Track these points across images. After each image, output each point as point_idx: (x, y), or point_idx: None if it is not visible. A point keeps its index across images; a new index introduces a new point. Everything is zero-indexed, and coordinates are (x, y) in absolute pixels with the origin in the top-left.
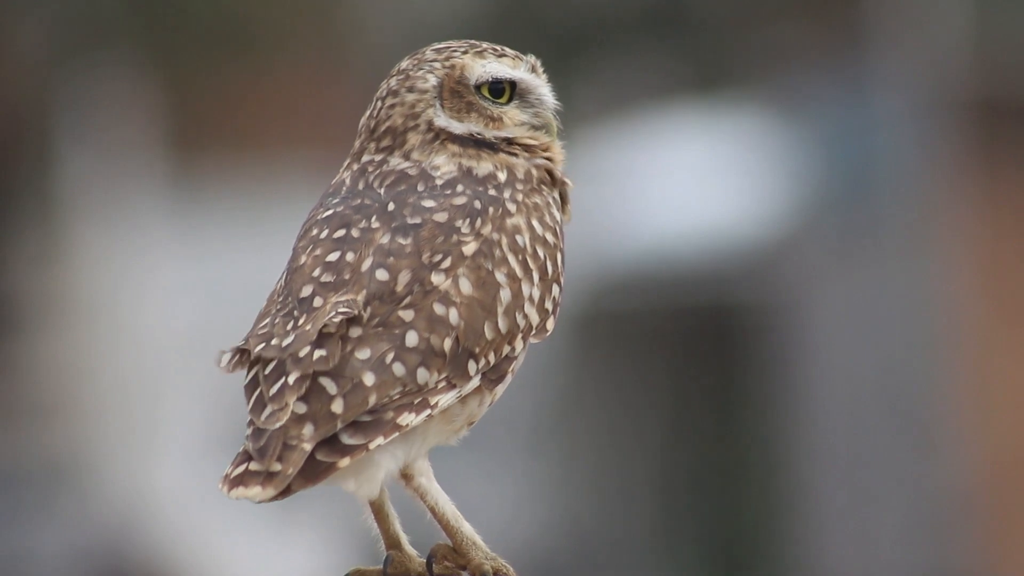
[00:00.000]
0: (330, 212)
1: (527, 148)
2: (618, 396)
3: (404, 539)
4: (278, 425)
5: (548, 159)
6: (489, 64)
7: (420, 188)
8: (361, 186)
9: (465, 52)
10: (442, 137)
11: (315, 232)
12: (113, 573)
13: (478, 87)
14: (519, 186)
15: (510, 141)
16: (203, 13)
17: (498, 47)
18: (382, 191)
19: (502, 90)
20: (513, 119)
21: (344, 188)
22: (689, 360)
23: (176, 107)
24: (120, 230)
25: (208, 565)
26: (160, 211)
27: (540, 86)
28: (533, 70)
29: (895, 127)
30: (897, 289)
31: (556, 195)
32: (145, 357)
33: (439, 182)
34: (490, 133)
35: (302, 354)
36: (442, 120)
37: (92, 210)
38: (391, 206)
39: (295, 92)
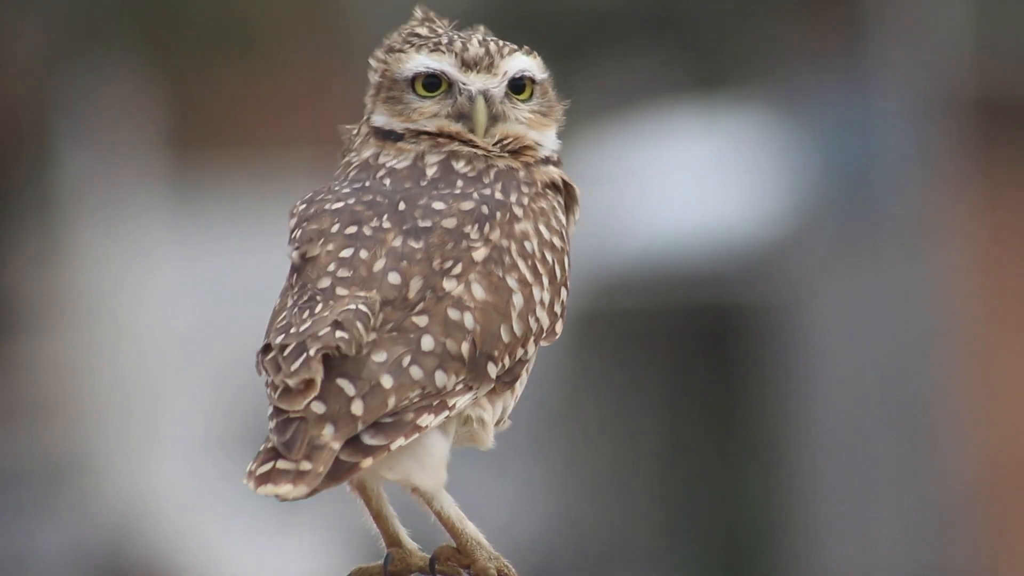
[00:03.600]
0: (340, 204)
1: (435, 137)
2: (618, 395)
3: (404, 534)
4: (304, 378)
5: (455, 145)
6: (413, 59)
7: (422, 185)
8: (369, 181)
9: (410, 45)
10: (371, 130)
11: (326, 224)
12: (113, 573)
13: (411, 81)
14: (524, 189)
15: (429, 133)
16: (203, 14)
17: (455, 36)
18: (388, 183)
19: (436, 84)
20: (425, 112)
21: (356, 171)
22: (689, 359)
23: (176, 107)
24: (120, 230)
25: (208, 565)
26: (160, 211)
27: (462, 78)
28: (479, 61)
29: (895, 126)
30: (897, 289)
31: (561, 199)
32: (145, 357)
33: (430, 176)
34: (400, 126)
35: (321, 332)
36: (375, 115)
37: (92, 210)
38: (401, 205)
39: (294, 92)
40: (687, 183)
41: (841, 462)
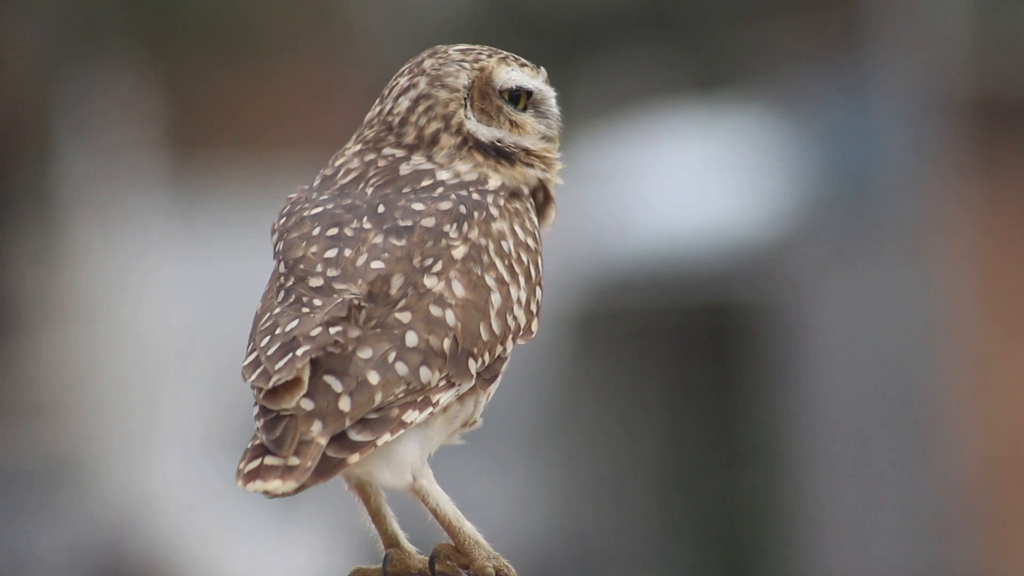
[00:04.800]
0: (320, 209)
1: (541, 159)
2: (617, 396)
3: (402, 536)
4: (285, 380)
5: (546, 174)
6: (513, 71)
7: (422, 190)
8: (360, 185)
9: (490, 56)
10: (469, 143)
11: (307, 228)
12: (113, 573)
13: (500, 92)
14: (502, 191)
15: (527, 151)
16: (203, 14)
17: (512, 55)
18: (370, 191)
19: (519, 98)
20: (532, 128)
21: (343, 178)
22: (689, 360)
23: (176, 107)
24: (120, 230)
25: (208, 565)
26: (160, 211)
27: (551, 97)
28: (545, 81)
29: (894, 127)
30: (896, 289)
31: (531, 202)
32: (145, 357)
33: (450, 184)
34: (512, 139)
35: (313, 333)
36: (471, 124)
37: (92, 210)
38: (380, 208)
39: (294, 93)
40: (687, 183)
41: (841, 462)
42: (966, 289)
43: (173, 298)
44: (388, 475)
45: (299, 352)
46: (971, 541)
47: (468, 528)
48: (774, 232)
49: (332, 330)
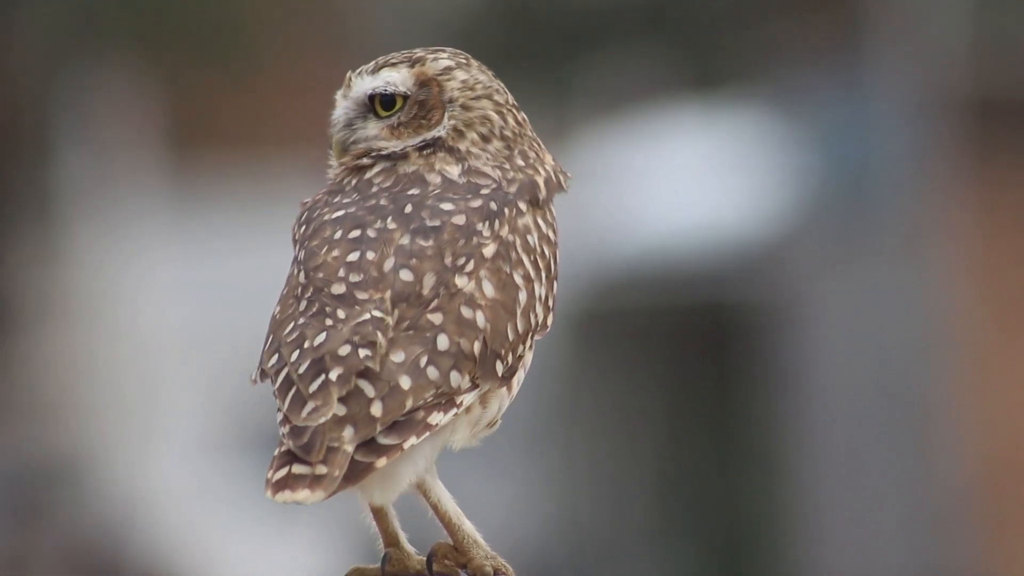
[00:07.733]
0: (341, 212)
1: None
2: (616, 395)
3: (402, 537)
4: (322, 420)
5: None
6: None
7: (434, 190)
8: (373, 189)
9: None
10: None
11: (328, 232)
12: (111, 571)
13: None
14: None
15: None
16: (200, 14)
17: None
18: (385, 196)
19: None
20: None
21: (362, 183)
22: (687, 359)
23: (174, 107)
24: (118, 230)
25: (206, 564)
26: (158, 211)
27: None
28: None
29: (892, 126)
30: (895, 287)
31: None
32: (143, 356)
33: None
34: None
35: (343, 352)
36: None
37: (91, 210)
38: (408, 208)
39: (293, 92)
40: (686, 182)
41: (839, 461)
42: (964, 288)
43: (171, 297)
44: (375, 490)
45: (332, 376)
46: (970, 541)
47: (467, 527)
48: (772, 231)
49: (361, 353)
